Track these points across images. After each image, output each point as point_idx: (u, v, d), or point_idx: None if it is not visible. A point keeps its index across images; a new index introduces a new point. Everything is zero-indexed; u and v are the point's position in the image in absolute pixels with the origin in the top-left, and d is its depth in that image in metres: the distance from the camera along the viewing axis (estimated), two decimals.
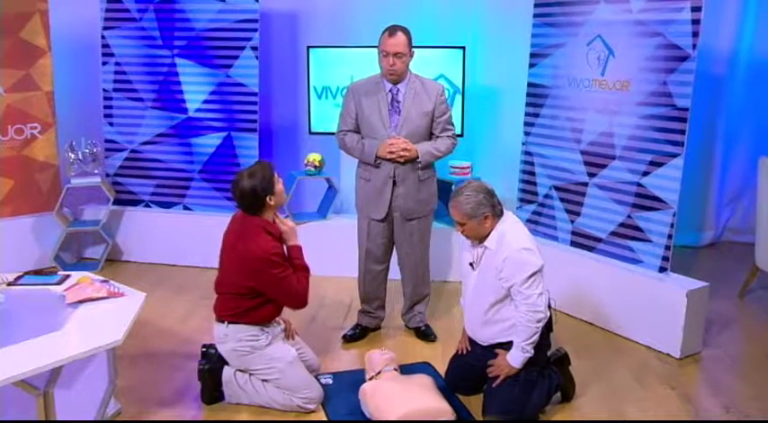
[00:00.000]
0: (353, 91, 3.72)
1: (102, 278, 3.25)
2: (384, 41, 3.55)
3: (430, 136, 3.70)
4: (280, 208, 3.36)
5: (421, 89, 3.64)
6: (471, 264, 3.15)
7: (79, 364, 2.83)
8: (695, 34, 3.62)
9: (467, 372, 3.29)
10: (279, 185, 3.18)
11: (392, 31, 3.55)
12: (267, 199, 3.11)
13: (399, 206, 3.71)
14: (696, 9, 3.60)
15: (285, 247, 3.21)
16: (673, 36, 3.71)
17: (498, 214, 3.06)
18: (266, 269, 3.04)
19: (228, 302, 3.16)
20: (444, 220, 4.94)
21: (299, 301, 3.18)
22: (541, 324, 2.99)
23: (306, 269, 3.23)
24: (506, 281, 2.99)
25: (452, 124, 3.75)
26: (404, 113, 3.62)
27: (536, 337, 2.99)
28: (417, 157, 3.60)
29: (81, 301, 2.97)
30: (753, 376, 3.61)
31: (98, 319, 2.84)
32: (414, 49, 3.62)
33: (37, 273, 3.43)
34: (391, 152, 3.58)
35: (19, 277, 3.28)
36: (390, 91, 3.64)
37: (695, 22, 3.61)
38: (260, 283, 3.08)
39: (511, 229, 3.04)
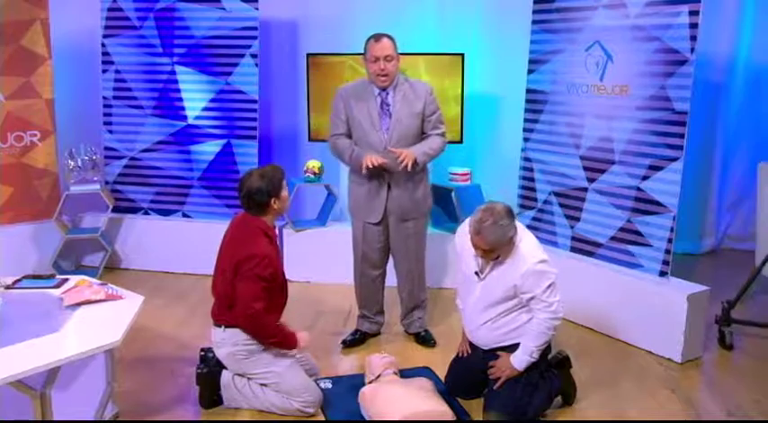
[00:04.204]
0: (342, 95, 3.71)
1: (100, 281, 3.24)
2: (372, 47, 3.56)
3: (421, 136, 3.68)
4: (280, 214, 3.35)
5: (410, 91, 3.64)
6: (477, 273, 3.09)
7: (77, 366, 2.82)
8: (693, 38, 3.63)
9: (467, 375, 3.27)
10: (285, 191, 3.19)
11: (377, 37, 3.56)
12: (272, 202, 3.11)
13: (395, 208, 3.70)
14: (694, 13, 3.62)
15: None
16: (671, 40, 3.72)
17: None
18: (248, 262, 3.02)
19: (224, 307, 3.14)
20: (444, 226, 4.95)
21: (244, 306, 3.03)
22: (555, 331, 3.00)
23: (278, 330, 3.16)
24: (527, 293, 2.96)
25: (443, 123, 3.74)
26: (395, 116, 3.61)
27: (546, 344, 2.99)
28: (416, 161, 3.57)
29: (79, 304, 2.96)
30: (755, 380, 3.59)
31: (96, 321, 2.82)
32: (399, 55, 3.62)
33: (35, 277, 3.41)
34: (372, 164, 3.50)
35: (17, 280, 3.27)
36: (379, 94, 3.63)
37: (693, 26, 3.62)
38: (237, 275, 3.04)
39: (523, 242, 3.00)
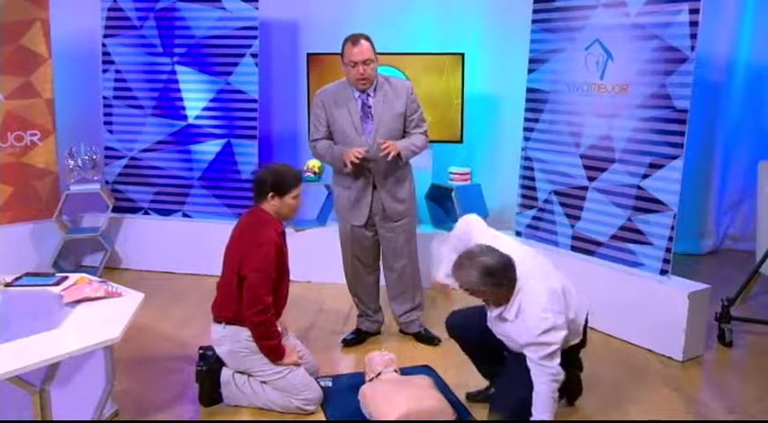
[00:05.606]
0: (322, 99, 3.64)
1: (99, 279, 3.23)
2: (350, 52, 3.47)
3: (403, 136, 3.65)
4: (283, 217, 3.29)
5: (390, 91, 3.59)
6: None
7: (76, 363, 2.81)
8: (693, 36, 3.63)
9: (474, 322, 3.12)
10: (290, 198, 3.15)
11: (354, 40, 3.48)
12: (269, 196, 3.11)
13: (380, 210, 3.68)
14: (694, 11, 3.62)
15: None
16: (671, 38, 3.72)
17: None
18: (256, 252, 3.03)
19: (226, 302, 3.14)
20: (444, 226, 4.94)
21: (255, 300, 3.02)
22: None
23: (279, 334, 3.17)
24: (528, 356, 2.82)
25: (424, 120, 3.71)
26: (377, 119, 3.57)
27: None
28: (399, 154, 3.52)
29: (79, 301, 2.96)
30: (756, 379, 3.59)
31: (95, 318, 2.82)
32: (378, 55, 3.56)
33: (35, 274, 3.41)
34: (356, 158, 3.46)
35: (17, 278, 3.27)
36: (360, 97, 3.58)
37: (693, 24, 3.62)
38: (244, 266, 3.03)
39: (529, 306, 2.77)
